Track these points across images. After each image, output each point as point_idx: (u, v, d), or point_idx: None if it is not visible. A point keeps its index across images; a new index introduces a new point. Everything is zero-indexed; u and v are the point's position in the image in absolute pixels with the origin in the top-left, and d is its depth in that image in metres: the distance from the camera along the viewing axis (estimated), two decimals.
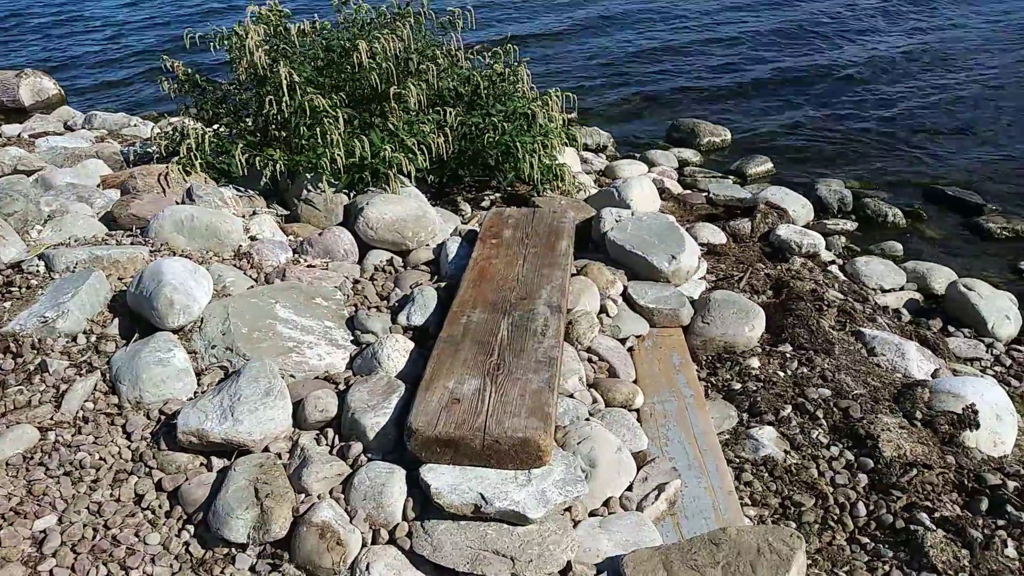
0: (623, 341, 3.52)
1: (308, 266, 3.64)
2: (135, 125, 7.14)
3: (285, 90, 4.14)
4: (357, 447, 2.50)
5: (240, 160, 4.13)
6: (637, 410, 3.12)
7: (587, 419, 2.81)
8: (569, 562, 2.24)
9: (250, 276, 3.43)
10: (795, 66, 8.75)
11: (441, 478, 2.33)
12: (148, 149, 5.51)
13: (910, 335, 3.99)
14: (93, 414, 2.65)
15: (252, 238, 3.78)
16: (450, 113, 4.68)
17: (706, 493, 2.73)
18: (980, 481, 2.92)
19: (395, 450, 2.51)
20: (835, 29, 9.92)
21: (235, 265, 3.51)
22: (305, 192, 4.23)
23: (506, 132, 4.64)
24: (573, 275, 3.75)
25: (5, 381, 2.72)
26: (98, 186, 4.44)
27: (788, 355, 3.55)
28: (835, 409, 3.20)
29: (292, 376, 2.86)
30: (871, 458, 2.96)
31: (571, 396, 2.94)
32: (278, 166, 4.16)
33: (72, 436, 2.57)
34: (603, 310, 3.62)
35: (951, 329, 4.18)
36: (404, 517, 2.34)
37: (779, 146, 6.96)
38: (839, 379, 3.37)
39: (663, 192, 5.52)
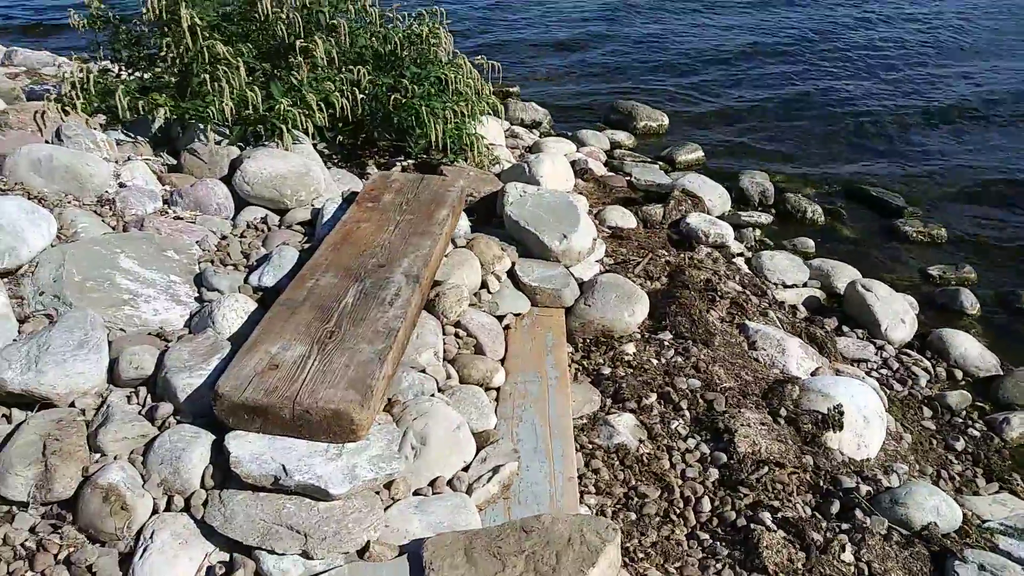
0: (500, 318, 3.39)
1: (175, 218, 3.45)
2: (58, 65, 6.82)
3: (187, 34, 3.91)
4: (166, 408, 2.35)
5: (122, 103, 3.91)
6: (497, 389, 3.00)
7: (431, 395, 2.69)
8: (369, 542, 2.11)
9: (108, 224, 3.24)
10: (735, 63, 8.64)
11: (246, 447, 2.19)
12: (63, 91, 5.24)
13: (799, 332, 3.92)
14: None
15: (121, 185, 3.57)
16: (360, 72, 4.49)
17: (545, 479, 2.62)
18: (835, 483, 2.85)
19: (209, 415, 2.36)
20: (789, 24, 9.85)
21: (94, 211, 3.31)
22: (193, 142, 4.02)
23: (413, 95, 4.46)
24: (460, 248, 3.62)
25: None
26: None
27: (666, 343, 3.46)
28: (701, 401, 3.12)
29: (122, 330, 2.69)
30: (725, 453, 2.87)
31: (422, 371, 2.81)
32: (162, 112, 3.94)
33: None
34: (484, 285, 3.49)
35: (845, 329, 4.12)
36: (203, 485, 2.19)
37: (715, 135, 6.88)
38: (712, 371, 3.29)
39: (585, 173, 5.39)
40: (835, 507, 2.75)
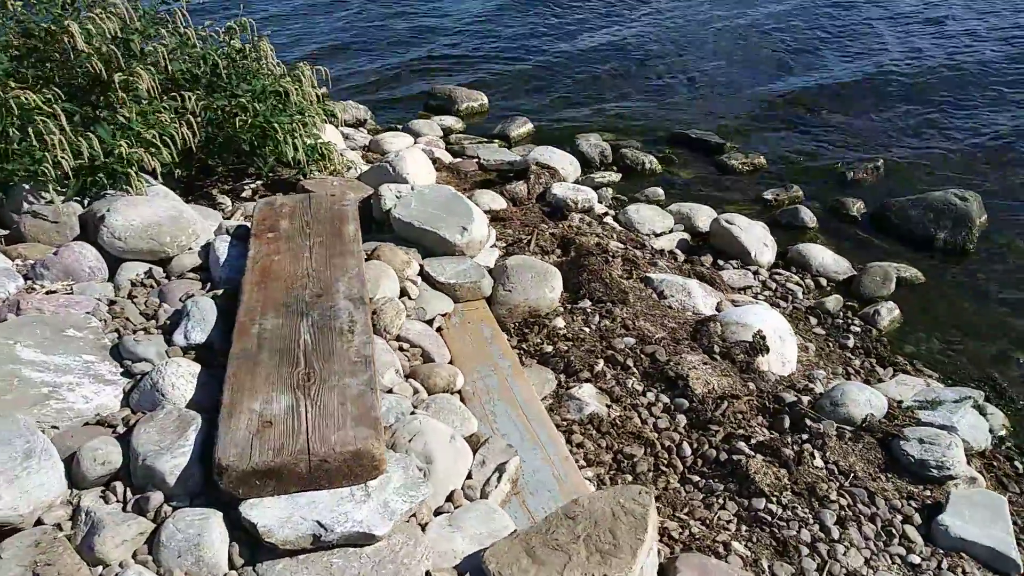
0: (430, 323, 3.35)
1: (47, 292, 3.04)
2: None
3: None
4: (157, 497, 2.12)
5: None
6: (460, 391, 2.98)
7: (412, 412, 2.62)
8: (428, 572, 2.06)
9: None
10: (535, 28, 8.93)
11: (268, 513, 2.03)
12: None
13: (688, 273, 4.22)
14: None
15: None
16: (189, 98, 4.15)
17: (544, 464, 2.67)
18: (778, 401, 3.14)
19: (204, 491, 2.16)
20: None
21: None
22: (26, 205, 3.55)
23: (259, 113, 4.22)
24: (365, 260, 3.50)
25: None
26: None
27: (589, 310, 3.59)
28: (643, 356, 3.29)
29: (55, 427, 2.36)
30: (685, 398, 3.07)
31: (390, 391, 2.73)
32: None
33: None
34: (404, 293, 3.42)
35: (720, 263, 4.49)
36: (232, 566, 2.01)
37: (534, 106, 7.08)
38: (640, 326, 3.47)
39: (435, 162, 5.37)
40: (787, 422, 3.04)
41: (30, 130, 3.52)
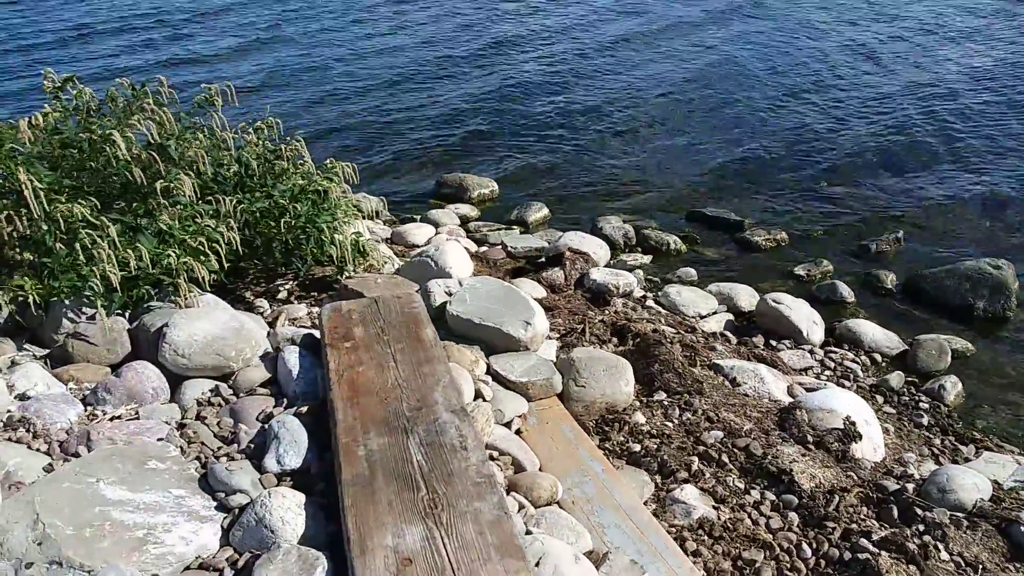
0: (508, 425, 3.21)
1: (112, 419, 2.85)
2: None
3: (32, 200, 3.27)
4: None
5: None
6: (559, 501, 2.83)
7: (528, 532, 2.46)
8: None
9: (39, 451, 2.59)
10: (534, 111, 9.03)
11: None
12: None
13: (747, 356, 4.15)
14: None
15: (22, 397, 2.88)
16: (226, 201, 4.05)
17: None
18: (881, 490, 3.04)
19: None
20: (549, 70, 10.47)
21: (9, 440, 2.63)
22: (70, 324, 3.37)
23: (300, 214, 4.13)
24: None
25: None
26: None
27: (666, 403, 3.48)
28: (736, 450, 3.17)
29: (155, 575, 2.16)
30: (792, 494, 2.95)
31: None
32: (31, 297, 3.26)
33: None
34: (478, 395, 3.28)
35: (772, 343, 4.43)
36: None
37: (541, 189, 7.09)
38: (724, 417, 3.36)
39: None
40: (895, 512, 2.93)
41: (76, 244, 3.37)
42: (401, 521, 2.13)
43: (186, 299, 3.55)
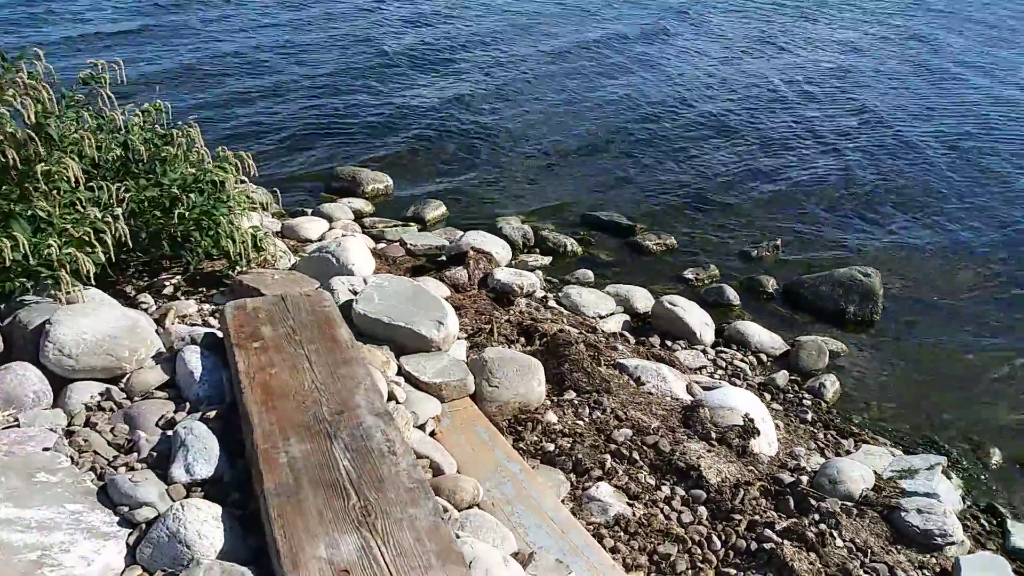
0: (422, 427, 3.15)
1: None
2: None
3: None
4: None
5: None
6: (479, 504, 2.81)
7: (456, 536, 2.42)
8: None
9: None
10: (431, 108, 8.90)
11: None
12: None
13: (645, 356, 4.28)
14: None
15: None
16: (110, 189, 3.76)
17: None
18: (778, 482, 3.21)
19: None
20: (439, 60, 10.39)
21: None
22: None
23: (195, 205, 3.90)
24: None
25: None
26: None
27: (576, 402, 3.54)
28: (645, 447, 3.27)
29: None
30: (701, 488, 3.06)
31: None
32: None
33: None
34: (391, 396, 3.20)
35: (668, 343, 4.59)
36: None
37: (438, 187, 7.02)
38: (632, 415, 3.45)
39: None
40: (791, 503, 3.11)
41: None
42: (334, 531, 2.05)
43: (68, 294, 3.27)
